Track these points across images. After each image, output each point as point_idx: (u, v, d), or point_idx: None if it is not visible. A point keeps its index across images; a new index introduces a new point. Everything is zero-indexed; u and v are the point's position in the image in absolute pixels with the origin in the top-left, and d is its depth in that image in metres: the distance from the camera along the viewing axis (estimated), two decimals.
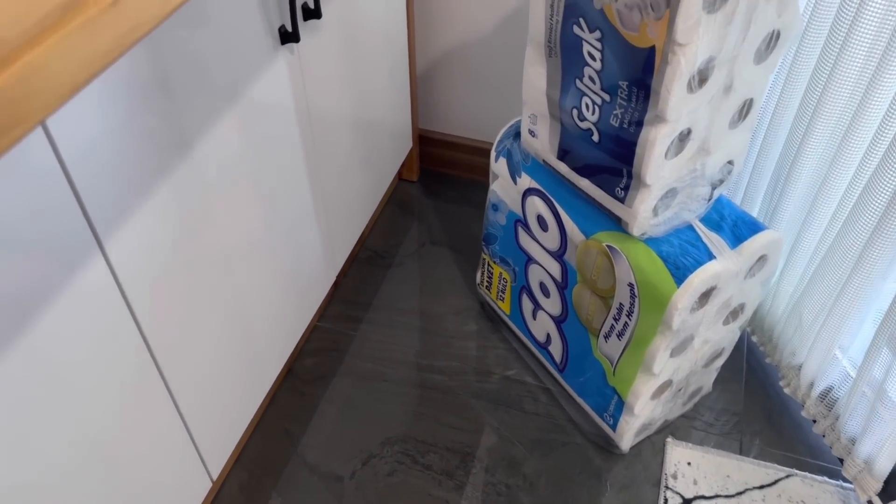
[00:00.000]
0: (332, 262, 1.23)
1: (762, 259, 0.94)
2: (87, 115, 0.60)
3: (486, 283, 1.29)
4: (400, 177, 1.59)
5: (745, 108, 0.86)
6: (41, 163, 0.56)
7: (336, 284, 1.37)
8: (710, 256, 0.89)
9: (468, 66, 1.43)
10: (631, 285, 0.94)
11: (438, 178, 1.60)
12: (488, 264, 1.25)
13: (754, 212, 1.18)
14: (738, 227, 0.93)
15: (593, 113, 0.85)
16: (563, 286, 1.07)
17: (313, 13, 0.93)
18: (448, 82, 1.47)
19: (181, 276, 0.79)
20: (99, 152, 0.62)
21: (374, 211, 1.40)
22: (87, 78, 0.43)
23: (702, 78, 0.76)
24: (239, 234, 0.89)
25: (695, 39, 0.71)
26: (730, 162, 0.91)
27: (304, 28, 0.94)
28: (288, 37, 0.89)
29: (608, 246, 0.94)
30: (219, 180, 0.82)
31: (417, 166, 1.58)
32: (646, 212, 0.88)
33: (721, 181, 0.92)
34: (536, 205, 1.05)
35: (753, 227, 0.93)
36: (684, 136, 0.82)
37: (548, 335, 1.17)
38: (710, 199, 0.93)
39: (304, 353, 1.26)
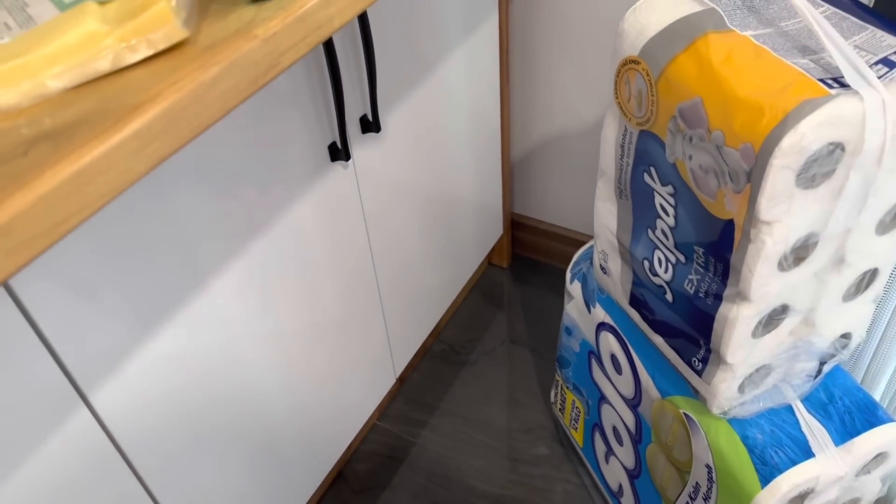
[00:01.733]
0: (399, 356, 1.15)
1: (881, 457, 0.75)
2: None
3: (559, 406, 1.15)
4: (489, 261, 1.49)
5: (866, 281, 0.68)
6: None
7: (402, 379, 1.29)
8: (808, 453, 0.72)
9: (567, 155, 1.30)
10: (709, 467, 0.78)
11: (531, 266, 1.48)
12: (562, 387, 1.11)
13: (878, 391, 0.96)
14: (850, 415, 0.75)
15: (666, 271, 0.71)
16: (637, 440, 0.92)
17: (371, 126, 0.85)
18: (545, 169, 1.35)
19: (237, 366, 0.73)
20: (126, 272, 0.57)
21: (453, 299, 1.31)
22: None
23: (799, 256, 0.60)
24: (299, 321, 0.83)
25: (785, 218, 0.55)
26: (845, 335, 0.74)
27: (361, 141, 0.86)
28: (338, 154, 0.82)
29: (685, 414, 0.79)
30: (274, 276, 0.76)
31: (509, 252, 1.47)
32: (727, 391, 0.72)
33: (833, 355, 0.75)
34: (610, 343, 0.90)
35: (871, 416, 0.74)
36: (778, 314, 0.66)
37: (620, 485, 1.02)
38: (817, 376, 0.76)
39: (358, 455, 1.18)
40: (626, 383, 0.90)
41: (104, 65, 0.42)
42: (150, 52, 0.43)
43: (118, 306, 0.60)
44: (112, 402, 0.62)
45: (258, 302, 0.77)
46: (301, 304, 0.86)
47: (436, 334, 1.36)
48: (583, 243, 1.39)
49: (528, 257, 1.49)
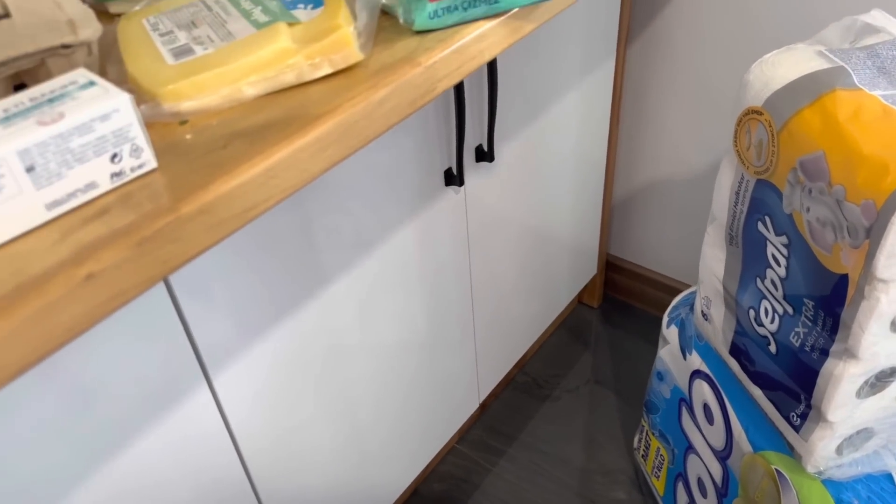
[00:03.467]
0: (484, 383, 1.17)
1: None
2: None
3: (642, 452, 1.14)
4: (580, 300, 1.49)
5: None
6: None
7: (484, 406, 1.30)
8: None
9: (670, 201, 1.30)
10: None
11: (622, 308, 1.47)
12: (647, 433, 1.10)
13: None
14: None
15: (772, 321, 0.71)
16: (723, 493, 0.91)
17: (485, 155, 0.89)
18: (646, 213, 1.35)
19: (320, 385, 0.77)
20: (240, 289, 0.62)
21: (541, 333, 1.32)
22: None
23: None
24: (393, 336, 0.87)
25: None
26: None
27: (475, 169, 0.90)
28: (452, 179, 0.86)
29: (777, 470, 0.78)
30: (376, 292, 0.80)
31: (600, 292, 1.47)
32: (825, 450, 0.70)
33: None
34: (704, 392, 0.90)
35: None
36: (886, 375, 0.65)
37: None
38: None
39: (435, 474, 1.20)
40: (716, 434, 0.89)
41: (290, 78, 0.48)
42: (329, 71, 0.49)
43: (247, 299, 0.65)
44: (230, 386, 0.67)
45: (357, 315, 0.81)
46: (397, 321, 0.89)
47: (521, 366, 1.37)
48: (677, 291, 1.39)
49: (620, 299, 1.49)
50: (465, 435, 1.26)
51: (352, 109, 0.47)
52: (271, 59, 0.46)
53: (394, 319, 0.88)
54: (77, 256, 0.38)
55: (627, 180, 1.34)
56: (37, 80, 0.48)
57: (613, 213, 1.40)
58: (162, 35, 0.52)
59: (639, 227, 1.38)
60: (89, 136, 0.39)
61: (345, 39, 0.48)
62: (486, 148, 0.90)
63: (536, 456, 1.22)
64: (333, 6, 0.52)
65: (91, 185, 0.41)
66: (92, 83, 0.41)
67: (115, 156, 0.41)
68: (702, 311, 0.85)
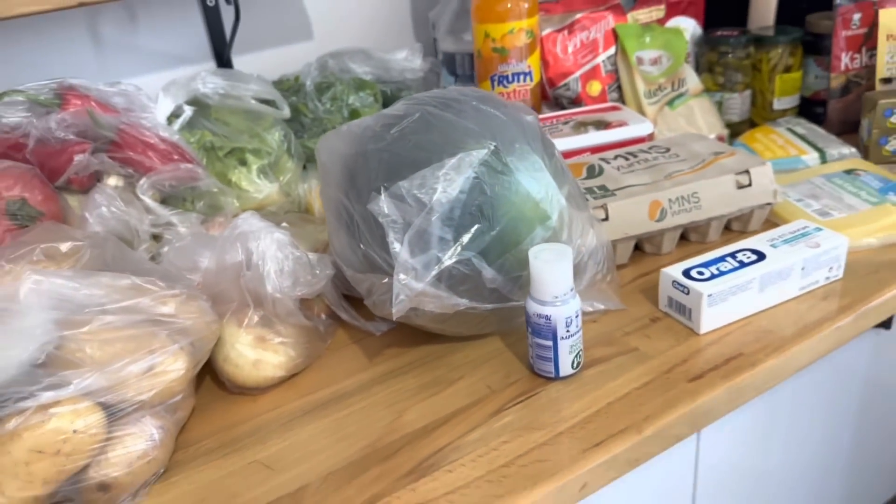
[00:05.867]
0: None
1: None
2: None
3: None
4: None
5: None
6: None
7: None
8: None
9: None
10: None
11: None
12: None
13: None
14: None
15: None
16: None
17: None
18: None
19: None
20: None
21: None
22: None
23: None
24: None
25: None
26: None
27: None
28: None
29: None
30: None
31: None
32: None
33: None
34: None
35: None
36: None
37: None
38: None
39: None
40: None
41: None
42: None
43: None
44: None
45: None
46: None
47: None
48: None
49: None
50: None
51: None
52: (889, 224, 0.80)
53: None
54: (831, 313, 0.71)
55: None
56: (744, 224, 0.85)
57: None
58: (797, 200, 0.88)
59: None
60: (823, 256, 0.74)
61: None
62: None
63: None
64: None
65: (815, 281, 0.75)
66: (818, 229, 0.77)
67: (830, 268, 0.75)
68: None
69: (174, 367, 0.58)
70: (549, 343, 0.64)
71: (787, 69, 1.12)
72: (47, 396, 0.52)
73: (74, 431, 0.53)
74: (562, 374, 0.66)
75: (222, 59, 1.10)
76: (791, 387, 0.82)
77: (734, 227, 0.87)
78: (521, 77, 1.01)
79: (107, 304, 0.58)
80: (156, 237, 0.77)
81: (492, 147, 0.63)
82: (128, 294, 0.59)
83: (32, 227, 0.70)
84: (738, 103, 1.14)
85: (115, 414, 0.55)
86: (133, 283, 0.60)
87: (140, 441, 0.56)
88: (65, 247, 0.63)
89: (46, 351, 0.54)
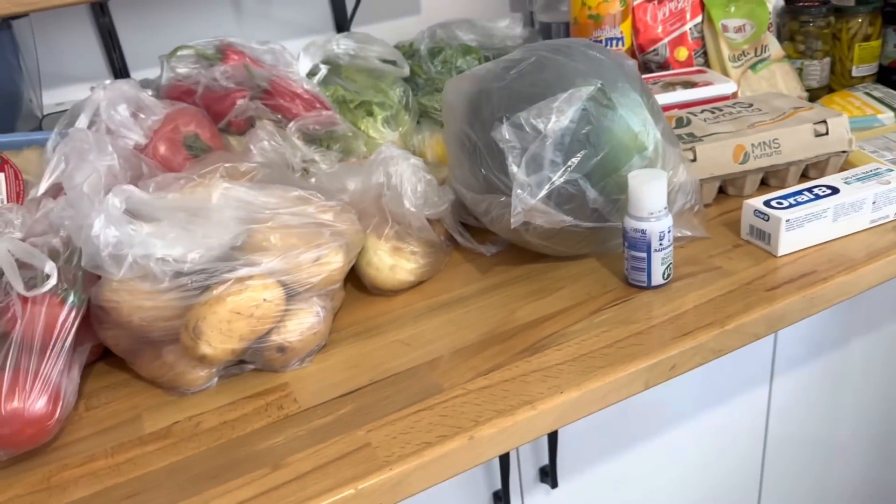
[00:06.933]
0: None
1: None
2: None
3: None
4: None
5: None
6: None
7: None
8: None
9: None
10: None
11: None
12: None
13: None
14: None
15: None
16: None
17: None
18: None
19: None
20: None
21: None
22: None
23: None
24: None
25: None
26: None
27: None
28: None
29: None
30: None
31: None
32: None
33: None
34: None
35: None
36: None
37: None
38: None
39: None
40: None
41: None
42: None
43: None
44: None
45: None
46: None
47: None
48: None
49: None
50: None
51: None
52: None
53: None
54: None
55: None
56: (820, 171, 0.93)
57: None
58: (871, 152, 0.96)
59: None
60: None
61: None
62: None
63: None
64: None
65: (886, 216, 0.83)
66: (890, 170, 0.84)
67: None
68: None
69: (335, 259, 0.71)
70: (644, 255, 0.75)
71: (866, 38, 1.19)
72: (244, 271, 0.66)
73: (264, 300, 0.66)
74: (653, 283, 0.76)
75: (342, 30, 1.24)
76: (865, 311, 0.91)
77: (811, 174, 0.95)
78: (614, 42, 1.11)
79: (280, 208, 0.71)
80: (305, 170, 0.91)
81: (598, 85, 0.74)
82: (296, 202, 0.72)
83: (205, 157, 0.85)
84: (818, 70, 1.21)
85: (291, 292, 0.69)
86: (300, 195, 0.73)
87: (310, 316, 0.70)
88: (242, 167, 0.77)
89: (242, 239, 0.68)
